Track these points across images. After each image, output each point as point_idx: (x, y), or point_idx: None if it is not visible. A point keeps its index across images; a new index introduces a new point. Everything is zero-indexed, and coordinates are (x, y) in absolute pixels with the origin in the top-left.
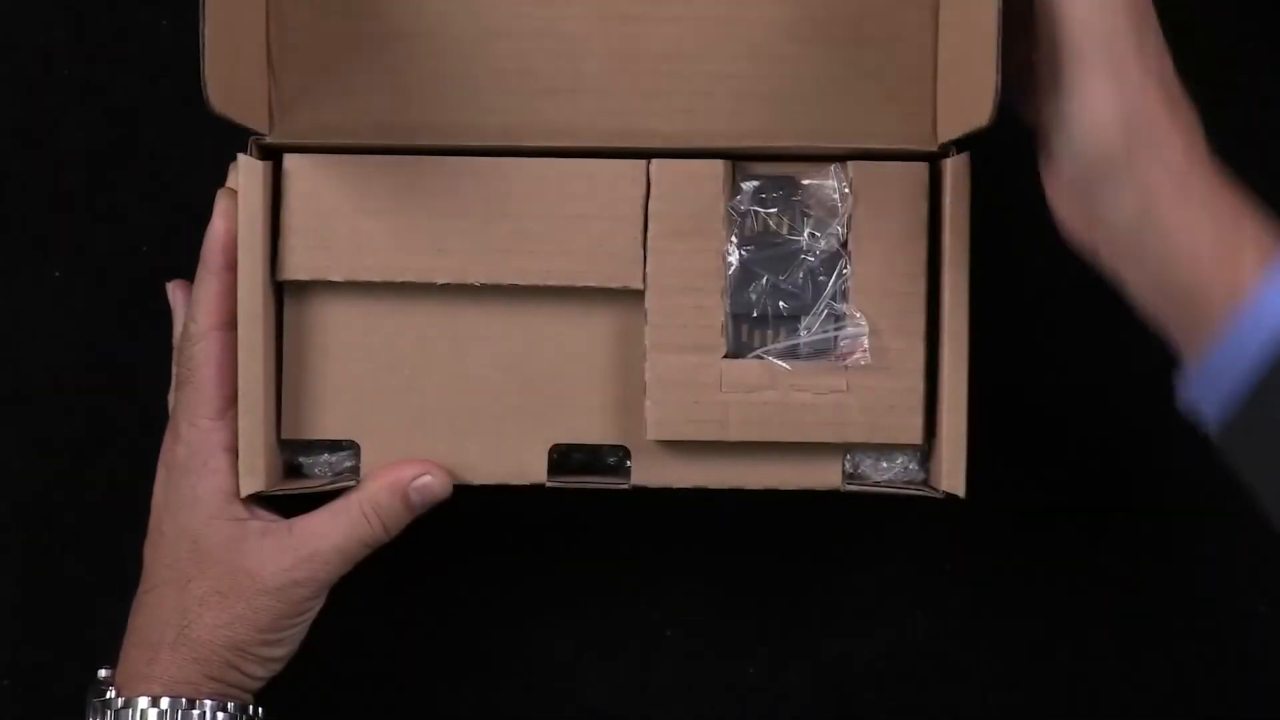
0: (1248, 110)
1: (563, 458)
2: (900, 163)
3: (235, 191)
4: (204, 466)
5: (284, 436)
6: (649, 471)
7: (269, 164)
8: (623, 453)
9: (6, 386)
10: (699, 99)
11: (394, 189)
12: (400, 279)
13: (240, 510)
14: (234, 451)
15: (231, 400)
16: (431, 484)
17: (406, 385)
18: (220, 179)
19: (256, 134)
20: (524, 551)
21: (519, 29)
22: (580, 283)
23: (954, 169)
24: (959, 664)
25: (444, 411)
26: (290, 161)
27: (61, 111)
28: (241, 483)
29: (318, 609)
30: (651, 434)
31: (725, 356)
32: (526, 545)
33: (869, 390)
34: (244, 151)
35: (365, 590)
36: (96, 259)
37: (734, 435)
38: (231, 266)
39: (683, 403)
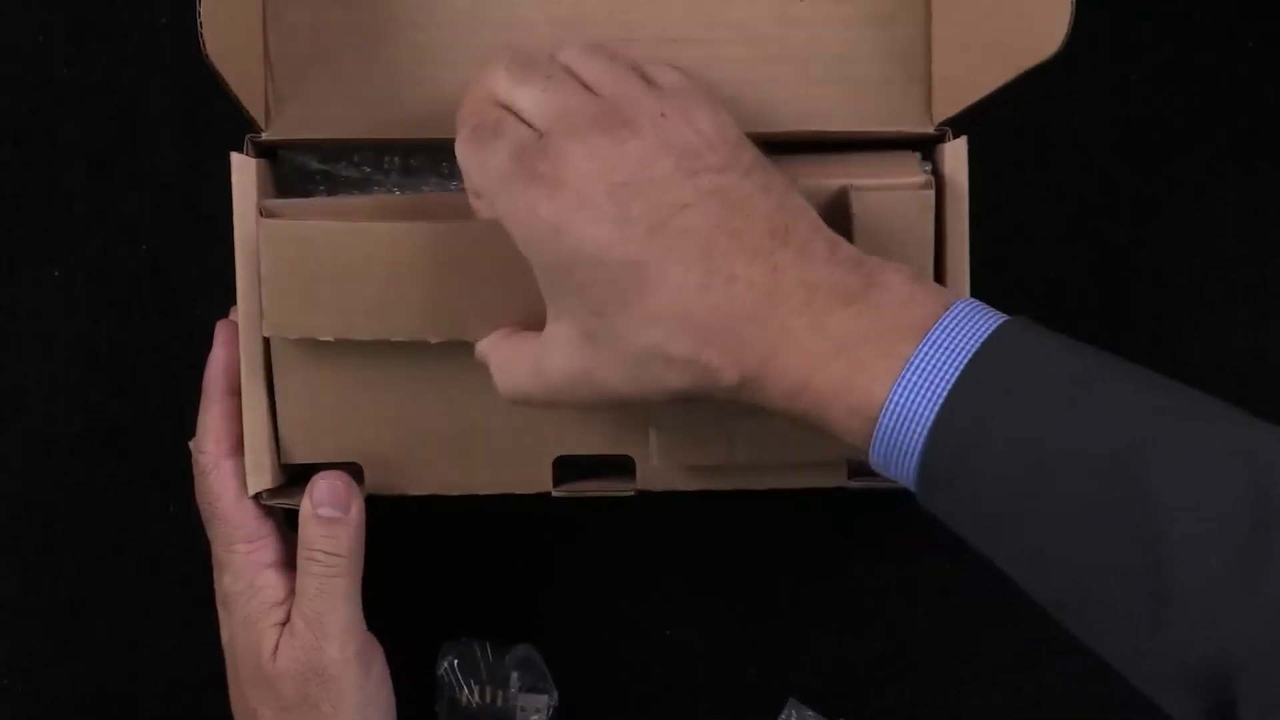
0: (1248, 110)
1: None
2: (902, 192)
3: (235, 323)
4: (250, 587)
5: (284, 461)
6: (654, 477)
7: (263, 162)
8: (626, 458)
9: (6, 386)
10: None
11: (382, 257)
12: (393, 338)
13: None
14: (278, 566)
15: (262, 519)
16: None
17: (407, 406)
18: (220, 178)
19: (253, 132)
20: (523, 552)
21: (514, 18)
22: None
23: (952, 152)
24: (959, 664)
25: (446, 431)
26: (265, 227)
27: (61, 111)
28: (249, 481)
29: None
30: (656, 459)
31: None
32: (525, 545)
33: None
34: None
35: (366, 596)
36: (96, 259)
37: (741, 458)
38: (235, 391)
39: (688, 427)
